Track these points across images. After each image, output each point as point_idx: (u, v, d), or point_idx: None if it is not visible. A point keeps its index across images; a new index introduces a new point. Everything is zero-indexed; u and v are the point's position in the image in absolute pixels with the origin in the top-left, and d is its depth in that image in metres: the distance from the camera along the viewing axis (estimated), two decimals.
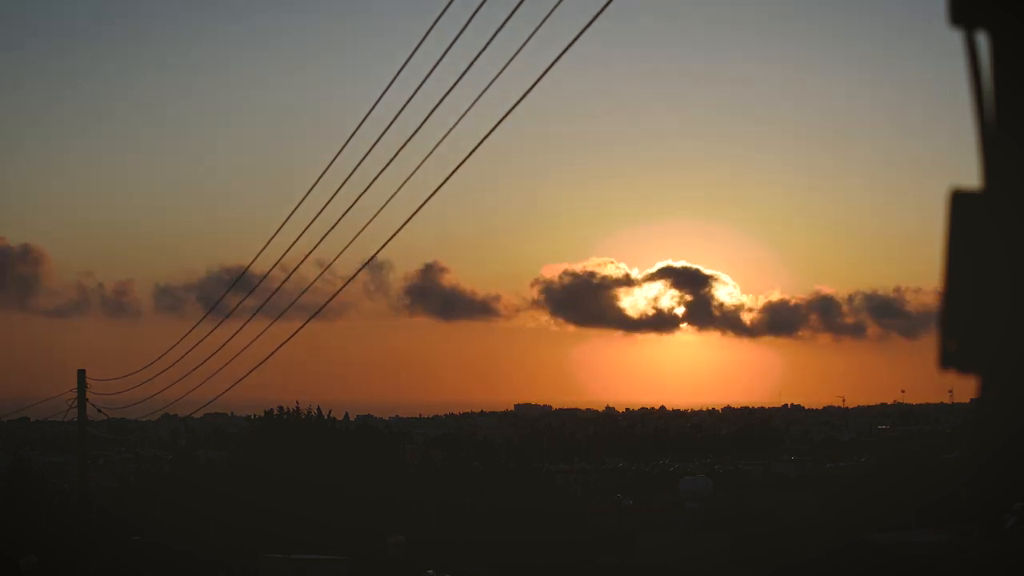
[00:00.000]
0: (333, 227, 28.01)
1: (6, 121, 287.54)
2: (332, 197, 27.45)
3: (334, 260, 29.72)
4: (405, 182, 24.48)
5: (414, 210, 24.55)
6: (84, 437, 56.33)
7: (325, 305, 36.34)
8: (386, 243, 26.64)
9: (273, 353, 36.19)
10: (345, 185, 26.81)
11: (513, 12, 17.94)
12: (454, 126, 21.60)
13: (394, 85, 23.39)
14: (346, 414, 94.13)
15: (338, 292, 35.08)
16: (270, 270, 34.98)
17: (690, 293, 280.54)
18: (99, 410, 56.97)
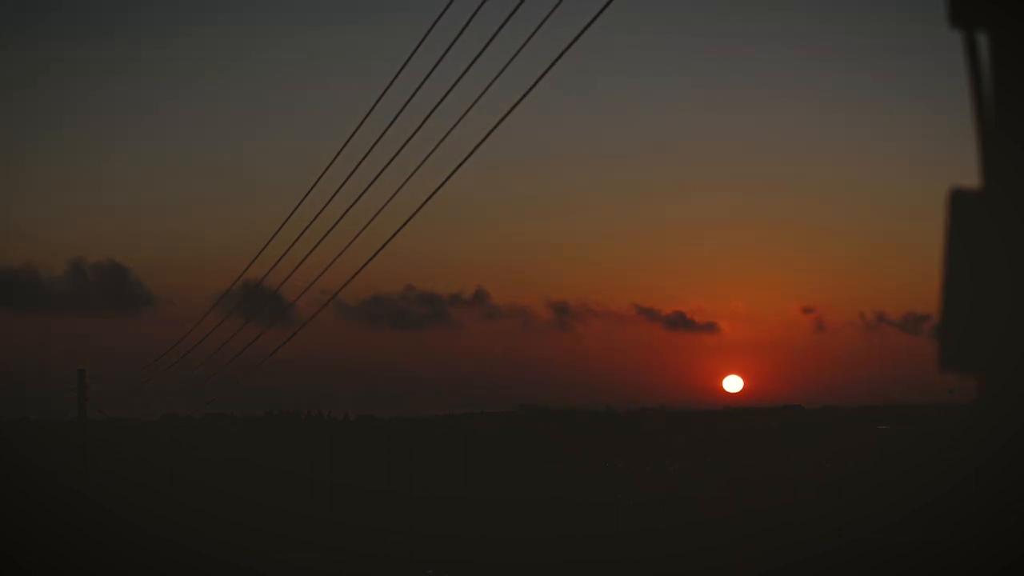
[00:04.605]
0: (328, 232, 28.07)
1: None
2: (329, 201, 27.48)
3: (328, 266, 29.70)
4: (403, 184, 24.49)
5: (411, 213, 24.56)
6: (84, 437, 56.29)
7: (321, 308, 36.31)
8: (382, 247, 26.63)
9: (272, 354, 36.22)
10: (342, 189, 26.84)
11: (514, 12, 17.97)
12: (452, 128, 21.63)
13: (393, 86, 23.42)
14: (346, 414, 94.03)
15: (335, 295, 35.05)
16: (268, 272, 34.96)
17: None
18: (99, 410, 56.97)
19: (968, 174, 4.02)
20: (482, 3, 18.99)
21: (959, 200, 3.93)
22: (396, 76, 23.10)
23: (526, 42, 18.33)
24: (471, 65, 19.78)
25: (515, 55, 19.08)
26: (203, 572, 50.69)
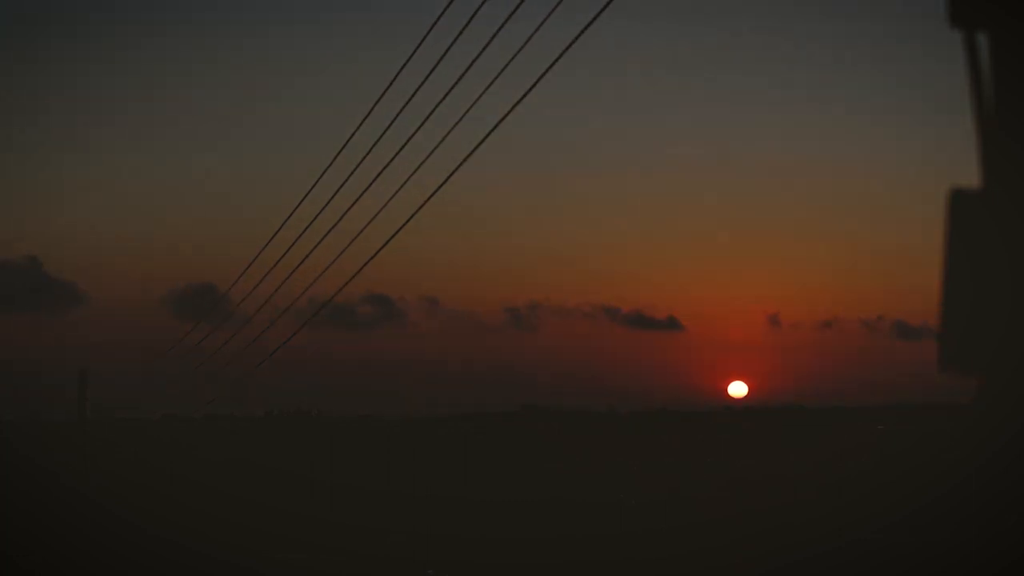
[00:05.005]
0: (326, 235, 28.16)
1: None
2: (327, 204, 27.55)
3: (323, 271, 29.78)
4: (401, 186, 24.54)
5: (408, 217, 24.60)
6: (84, 437, 56.32)
7: (320, 309, 36.34)
8: (378, 251, 26.72)
9: (272, 354, 36.25)
10: (341, 191, 26.93)
11: (513, 12, 17.98)
12: (449, 131, 21.67)
13: (392, 88, 23.45)
14: (346, 414, 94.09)
15: (331, 298, 35.09)
16: (269, 271, 34.98)
17: None
18: (99, 410, 57.01)
19: (968, 174, 4.02)
20: (482, 3, 19.01)
21: (959, 200, 3.93)
22: (392, 81, 23.15)
23: (524, 45, 18.35)
24: (467, 70, 19.80)
25: (512, 59, 19.10)
26: (203, 572, 50.70)
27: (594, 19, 16.27)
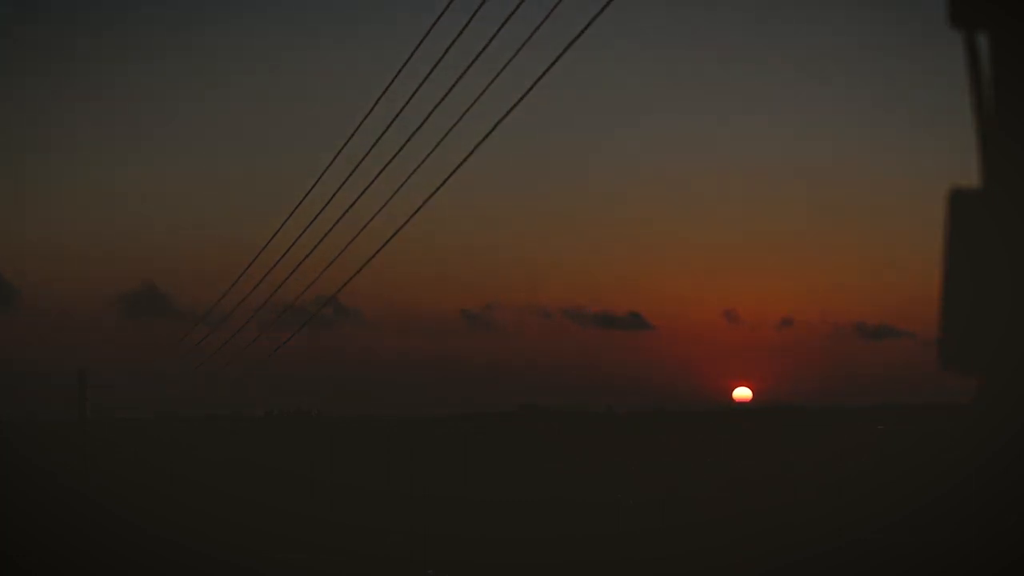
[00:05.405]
0: (325, 236, 28.22)
1: None
2: (325, 206, 27.59)
3: (322, 272, 29.82)
4: (402, 185, 24.57)
5: (407, 217, 24.64)
6: (84, 437, 56.29)
7: (322, 307, 36.36)
8: (377, 252, 26.75)
9: (273, 353, 36.27)
10: (341, 191, 27.00)
11: (511, 15, 17.99)
12: (448, 132, 21.69)
13: (393, 86, 23.48)
14: (346, 414, 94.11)
15: (333, 296, 35.11)
16: (269, 271, 34.98)
17: None
18: (99, 410, 56.96)
19: (968, 174, 4.02)
20: (481, 4, 19.02)
21: (959, 200, 3.93)
22: (392, 81, 23.17)
23: (522, 46, 18.36)
24: (466, 70, 19.81)
25: (509, 61, 19.11)
26: (203, 572, 50.70)
27: (593, 19, 16.28)
